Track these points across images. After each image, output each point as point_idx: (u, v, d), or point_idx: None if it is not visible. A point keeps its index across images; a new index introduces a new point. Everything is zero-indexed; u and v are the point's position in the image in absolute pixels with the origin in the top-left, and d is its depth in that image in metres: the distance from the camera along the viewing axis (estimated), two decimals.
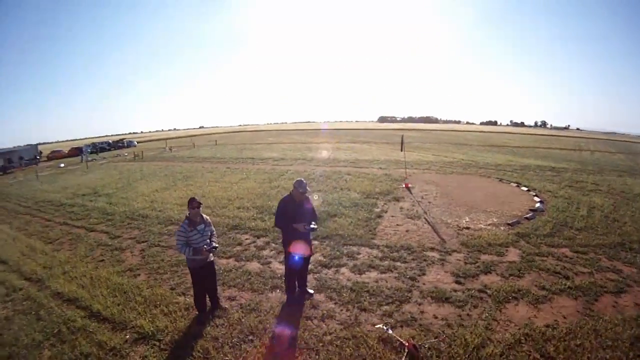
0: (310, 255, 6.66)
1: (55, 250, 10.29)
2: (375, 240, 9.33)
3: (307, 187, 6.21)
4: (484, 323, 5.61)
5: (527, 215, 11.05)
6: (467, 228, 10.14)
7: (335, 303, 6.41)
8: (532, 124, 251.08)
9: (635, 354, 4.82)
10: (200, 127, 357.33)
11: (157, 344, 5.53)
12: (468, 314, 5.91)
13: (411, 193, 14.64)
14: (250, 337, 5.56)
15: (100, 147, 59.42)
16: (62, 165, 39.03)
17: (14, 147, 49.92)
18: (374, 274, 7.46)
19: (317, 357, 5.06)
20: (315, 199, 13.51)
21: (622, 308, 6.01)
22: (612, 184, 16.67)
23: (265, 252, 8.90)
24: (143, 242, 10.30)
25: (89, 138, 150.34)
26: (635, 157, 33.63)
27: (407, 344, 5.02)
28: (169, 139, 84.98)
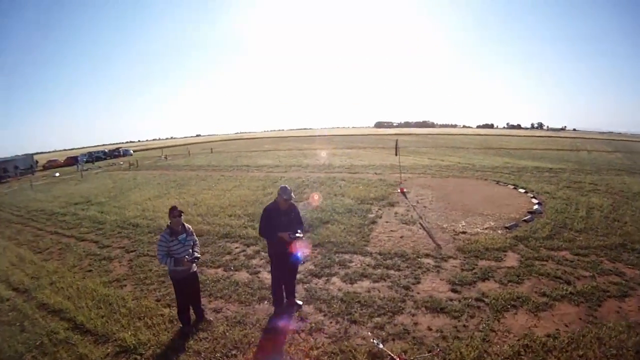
0: (297, 265, 6.48)
1: (44, 260, 10.16)
2: (369, 247, 9.04)
3: (292, 194, 5.98)
4: (481, 335, 5.29)
5: (525, 218, 10.79)
6: (464, 232, 9.85)
7: (325, 315, 6.13)
8: (529, 125, 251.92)
9: None
10: (197, 135, 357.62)
11: (139, 358, 5.35)
12: (464, 325, 5.59)
13: (406, 198, 14.34)
14: (234, 352, 5.30)
15: (96, 157, 59.79)
16: (57, 174, 38.91)
17: (10, 157, 49.80)
18: (366, 283, 7.17)
19: None
20: (311, 205, 13.44)
21: (627, 313, 5.73)
22: (611, 183, 16.51)
23: (254, 261, 8.63)
24: (132, 251, 10.12)
25: (86, 147, 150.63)
26: (632, 156, 33.60)
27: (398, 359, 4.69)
28: (166, 147, 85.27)
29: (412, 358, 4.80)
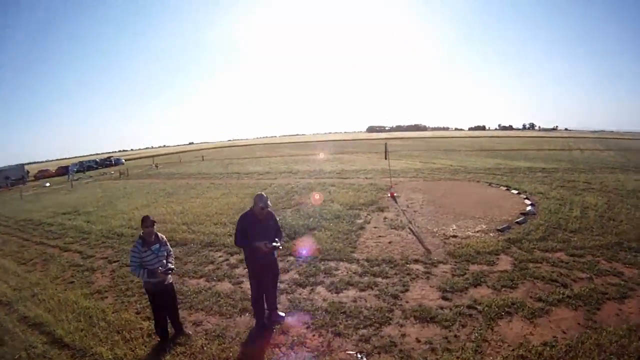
0: (277, 275, 6.21)
1: (27, 271, 9.99)
2: (355, 254, 8.75)
3: (269, 202, 5.73)
4: (472, 345, 4.97)
5: (518, 220, 10.57)
6: (454, 236, 9.58)
7: (308, 327, 5.82)
8: (521, 126, 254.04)
9: None
10: (190, 143, 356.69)
11: None
12: (455, 335, 5.27)
13: (396, 202, 14.09)
14: None
15: (87, 166, 59.85)
16: (48, 184, 38.76)
17: (1, 167, 49.56)
18: (352, 292, 6.86)
19: None
20: (303, 210, 13.34)
21: (627, 316, 5.49)
22: (605, 181, 16.46)
23: (237, 271, 8.35)
24: (115, 261, 9.91)
25: (78, 157, 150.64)
26: (625, 153, 33.73)
27: None
28: (157, 155, 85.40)
29: None
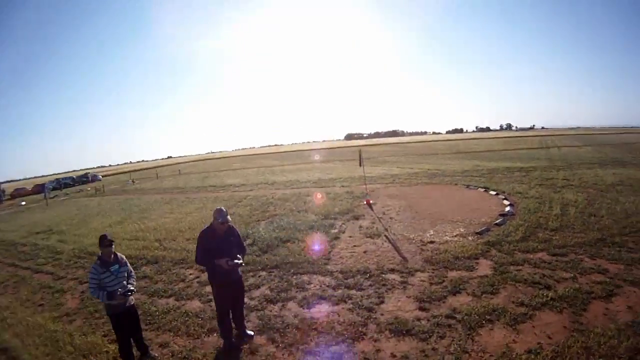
0: (242, 293, 6.06)
1: None
2: (329, 266, 8.53)
3: (229, 217, 5.54)
4: (452, 358, 4.77)
5: (497, 221, 10.52)
6: (432, 242, 9.45)
7: (277, 346, 5.61)
8: (498, 127, 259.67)
9: None
10: (168, 157, 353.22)
11: None
12: (433, 348, 5.05)
13: (372, 209, 13.98)
14: None
15: (64, 183, 59.66)
16: (24, 203, 39.05)
17: None
18: (324, 307, 6.63)
19: None
20: (277, 222, 13.16)
21: (615, 314, 5.40)
22: (583, 177, 16.77)
23: (208, 288, 8.00)
24: (85, 282, 9.45)
25: (55, 174, 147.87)
26: (602, 148, 34.62)
27: None
28: (135, 171, 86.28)
29: None
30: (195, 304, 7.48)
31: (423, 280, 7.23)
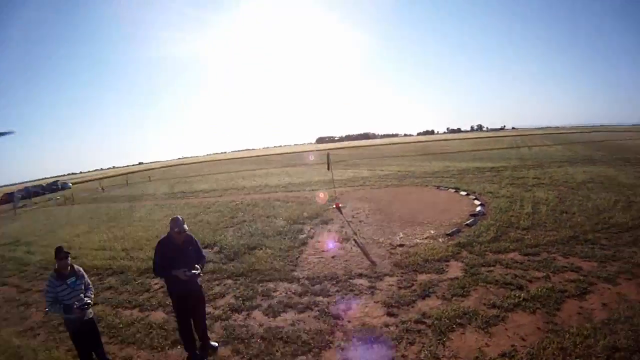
0: (203, 303, 5.90)
1: None
2: (296, 272, 8.41)
3: (185, 226, 5.37)
4: None
5: (468, 222, 10.56)
6: (401, 245, 9.40)
7: (242, 357, 5.51)
8: (469, 128, 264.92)
9: None
10: (139, 163, 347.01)
11: None
12: (403, 355, 4.96)
13: (341, 213, 13.90)
14: None
15: (33, 192, 57.71)
16: None
17: None
18: (290, 315, 6.53)
19: None
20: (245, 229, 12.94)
21: (590, 313, 5.46)
22: (554, 175, 17.17)
23: None
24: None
25: (24, 182, 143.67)
26: (572, 147, 35.57)
27: None
28: (105, 178, 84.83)
29: None
30: (159, 315, 7.34)
31: (392, 285, 7.15)
